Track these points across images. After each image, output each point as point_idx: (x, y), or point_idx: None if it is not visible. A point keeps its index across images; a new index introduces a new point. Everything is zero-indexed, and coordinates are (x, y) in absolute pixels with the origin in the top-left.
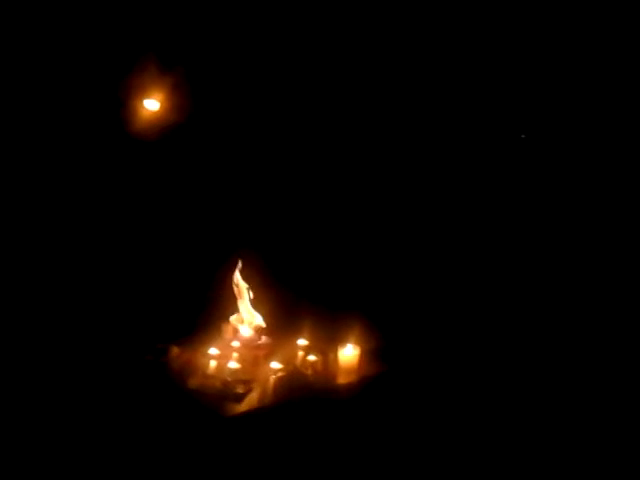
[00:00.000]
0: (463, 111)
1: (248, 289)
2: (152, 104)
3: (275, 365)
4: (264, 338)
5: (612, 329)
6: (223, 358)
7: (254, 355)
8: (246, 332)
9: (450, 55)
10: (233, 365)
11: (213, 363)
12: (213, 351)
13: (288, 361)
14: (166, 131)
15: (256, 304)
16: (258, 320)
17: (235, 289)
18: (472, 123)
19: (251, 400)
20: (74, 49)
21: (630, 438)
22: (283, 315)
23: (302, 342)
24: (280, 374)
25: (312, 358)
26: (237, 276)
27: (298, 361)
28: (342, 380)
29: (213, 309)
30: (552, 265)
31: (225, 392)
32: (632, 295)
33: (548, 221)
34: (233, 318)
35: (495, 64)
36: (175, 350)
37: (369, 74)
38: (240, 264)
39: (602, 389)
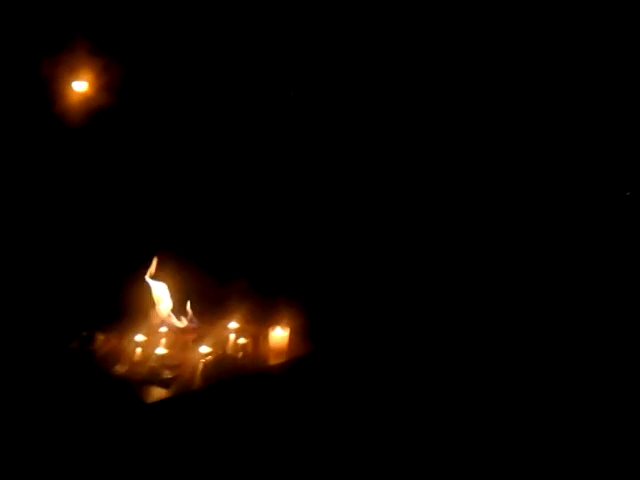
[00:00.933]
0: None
1: (172, 275)
2: (80, 85)
3: (204, 349)
4: (193, 322)
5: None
6: (150, 344)
7: (183, 340)
8: (173, 318)
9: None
10: (160, 351)
11: (139, 350)
12: (139, 337)
13: (218, 345)
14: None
15: (183, 289)
16: (185, 306)
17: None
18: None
19: (178, 385)
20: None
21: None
22: (212, 299)
23: (233, 325)
24: (209, 358)
25: (242, 341)
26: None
27: (229, 344)
28: (272, 361)
29: (139, 295)
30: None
31: (151, 378)
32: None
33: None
34: (159, 304)
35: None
36: (100, 337)
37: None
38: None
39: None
